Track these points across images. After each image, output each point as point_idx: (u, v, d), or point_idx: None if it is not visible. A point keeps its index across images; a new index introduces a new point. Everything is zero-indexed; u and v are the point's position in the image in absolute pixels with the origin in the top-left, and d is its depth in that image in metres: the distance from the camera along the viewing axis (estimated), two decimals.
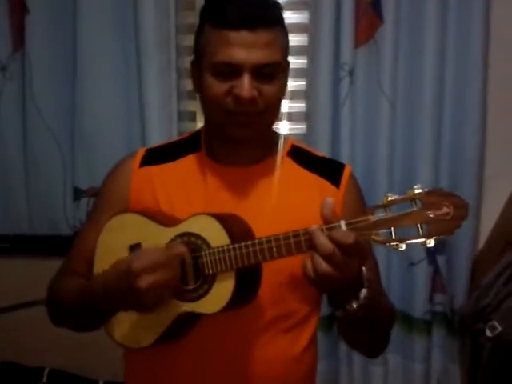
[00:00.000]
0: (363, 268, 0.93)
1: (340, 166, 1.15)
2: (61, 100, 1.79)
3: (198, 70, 1.06)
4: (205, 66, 1.02)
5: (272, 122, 1.10)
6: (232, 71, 0.99)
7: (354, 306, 0.92)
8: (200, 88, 1.06)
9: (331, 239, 0.85)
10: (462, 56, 1.68)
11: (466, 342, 1.66)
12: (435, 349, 1.78)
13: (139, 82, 1.73)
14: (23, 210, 1.86)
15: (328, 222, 0.88)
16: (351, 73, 1.69)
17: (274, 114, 1.07)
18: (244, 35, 0.97)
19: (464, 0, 1.66)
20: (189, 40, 1.81)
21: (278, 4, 1.05)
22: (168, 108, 1.76)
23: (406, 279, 1.77)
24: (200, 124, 1.87)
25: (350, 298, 0.93)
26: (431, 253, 1.74)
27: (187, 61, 1.81)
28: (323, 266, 0.86)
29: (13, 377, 1.89)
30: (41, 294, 1.72)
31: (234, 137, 1.05)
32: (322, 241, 0.85)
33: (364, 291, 0.92)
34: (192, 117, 1.88)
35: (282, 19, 1.04)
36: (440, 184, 1.72)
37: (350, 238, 0.84)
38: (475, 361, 1.56)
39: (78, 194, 1.82)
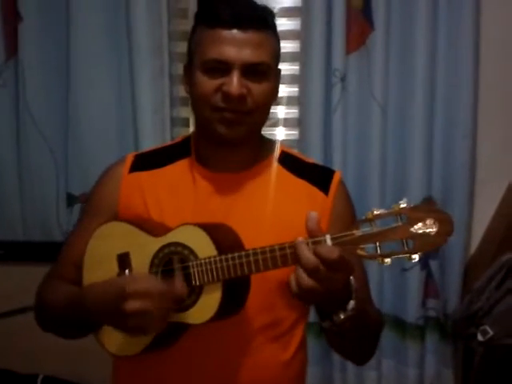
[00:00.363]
0: (351, 279, 0.92)
1: (329, 173, 1.15)
2: (54, 107, 1.80)
3: (189, 72, 1.07)
4: (196, 65, 1.03)
5: (260, 124, 1.10)
6: (222, 69, 1.00)
7: (342, 317, 0.92)
8: (191, 89, 1.07)
9: (316, 254, 0.85)
10: (453, 61, 1.70)
11: (459, 347, 1.66)
12: (428, 353, 1.79)
13: (132, 88, 1.73)
14: (17, 216, 1.86)
15: (313, 235, 0.87)
16: (343, 79, 1.70)
17: (262, 115, 1.07)
18: (235, 34, 0.99)
19: (454, 6, 1.68)
20: (181, 47, 1.82)
21: (271, 10, 1.06)
22: (161, 114, 1.76)
23: (399, 284, 1.78)
24: (193, 130, 1.88)
25: (337, 310, 0.92)
26: (424, 258, 1.75)
27: (180, 67, 1.81)
28: (306, 280, 0.85)
29: None
30: (33, 300, 1.73)
31: (222, 135, 1.05)
32: (306, 254, 0.85)
33: (352, 303, 0.92)
34: (185, 123, 1.89)
35: (273, 25, 1.06)
36: (432, 188, 1.73)
37: (335, 254, 0.83)
38: (467, 365, 1.57)
39: (71, 200, 1.82)
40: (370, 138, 1.72)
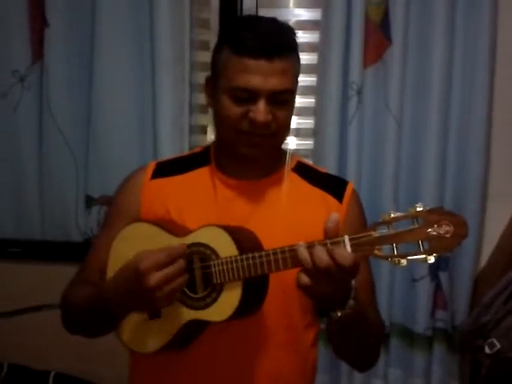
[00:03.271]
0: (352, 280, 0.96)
1: (343, 182, 1.20)
2: (76, 111, 1.84)
3: (213, 87, 1.11)
4: (222, 88, 1.07)
5: (282, 142, 1.15)
6: (248, 96, 1.04)
7: (339, 314, 0.95)
8: (214, 105, 1.11)
9: (331, 256, 0.88)
10: (468, 77, 1.72)
11: (466, 359, 1.67)
12: (435, 364, 1.80)
13: (153, 95, 1.77)
14: (36, 216, 1.89)
15: (330, 235, 0.91)
16: (359, 92, 1.72)
17: (285, 135, 1.13)
18: (262, 64, 1.03)
19: (471, 22, 1.70)
20: (202, 56, 1.86)
21: (292, 30, 1.10)
22: (180, 121, 1.79)
23: (409, 295, 1.79)
24: (210, 137, 1.92)
25: (335, 308, 0.96)
26: (434, 269, 1.76)
27: (200, 76, 1.87)
28: (315, 275, 0.89)
29: (19, 379, 1.92)
30: (49, 298, 1.76)
31: (246, 155, 1.10)
32: (321, 255, 0.89)
33: (351, 302, 0.95)
34: (203, 130, 1.92)
35: (295, 45, 1.10)
36: (444, 201, 1.75)
37: (350, 260, 0.87)
38: (474, 377, 1.58)
39: (89, 202, 1.85)
40: (385, 150, 1.74)
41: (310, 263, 0.89)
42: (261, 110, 1.04)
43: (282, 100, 1.06)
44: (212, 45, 1.82)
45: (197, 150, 1.25)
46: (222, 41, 1.10)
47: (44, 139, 1.84)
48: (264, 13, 1.81)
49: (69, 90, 1.82)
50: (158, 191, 1.16)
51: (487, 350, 1.46)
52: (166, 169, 1.20)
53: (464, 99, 1.73)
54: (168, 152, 1.75)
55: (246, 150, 1.09)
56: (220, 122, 1.11)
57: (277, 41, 1.04)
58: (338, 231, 0.91)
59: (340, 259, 0.87)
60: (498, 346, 1.45)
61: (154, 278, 0.94)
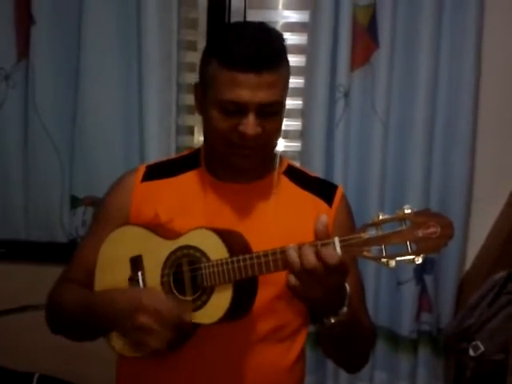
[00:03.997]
0: (347, 286, 0.97)
1: (333, 187, 1.21)
2: (62, 110, 1.82)
3: (202, 95, 1.10)
4: (210, 99, 1.07)
5: (272, 151, 1.15)
6: (237, 109, 1.04)
7: (332, 321, 0.96)
8: (203, 113, 1.11)
9: (318, 255, 0.89)
10: (455, 81, 1.74)
11: (451, 361, 1.69)
12: (420, 367, 1.81)
13: (140, 95, 1.76)
14: (20, 216, 1.87)
15: (320, 237, 0.92)
16: (346, 94, 1.73)
17: (275, 144, 1.13)
18: (250, 77, 1.02)
19: (457, 27, 1.72)
20: (189, 57, 1.86)
21: (281, 36, 1.09)
22: (167, 121, 1.79)
23: (394, 298, 1.80)
24: (197, 138, 1.91)
25: (328, 314, 0.96)
26: (419, 272, 1.77)
27: (187, 76, 1.87)
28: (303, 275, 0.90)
29: (3, 381, 1.90)
30: (34, 299, 1.75)
31: (236, 166, 1.10)
32: (309, 257, 0.90)
33: (344, 309, 0.96)
34: (190, 131, 1.92)
35: (284, 53, 1.09)
36: (430, 204, 1.76)
37: (335, 259, 0.88)
38: (459, 379, 1.59)
39: (75, 202, 1.84)
40: (371, 152, 1.75)
41: (298, 264, 0.90)
42: (250, 124, 1.03)
43: (271, 112, 1.06)
44: (200, 45, 1.85)
45: (186, 152, 1.25)
46: (210, 52, 1.08)
47: (29, 139, 1.83)
48: (252, 14, 1.82)
49: (54, 89, 1.81)
50: (148, 194, 1.15)
51: (471, 353, 1.48)
52: (156, 172, 1.19)
53: (450, 102, 1.75)
54: (155, 152, 1.75)
55: (236, 161, 1.09)
56: (209, 133, 1.11)
57: (265, 53, 1.03)
58: (327, 232, 0.92)
59: (327, 258, 0.88)
60: (482, 348, 1.46)
61: (144, 319, 0.96)
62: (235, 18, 1.79)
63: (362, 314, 1.12)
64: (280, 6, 1.88)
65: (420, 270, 1.77)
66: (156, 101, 1.75)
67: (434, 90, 1.73)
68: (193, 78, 1.87)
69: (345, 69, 1.71)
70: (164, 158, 1.26)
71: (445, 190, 1.77)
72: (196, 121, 1.90)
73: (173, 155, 1.31)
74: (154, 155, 1.74)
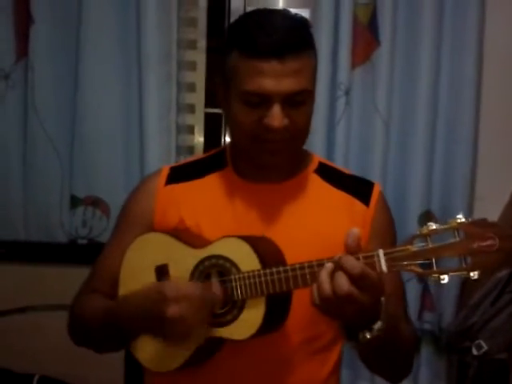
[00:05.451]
0: (382, 299, 0.88)
1: (369, 184, 1.12)
2: (61, 109, 1.81)
3: (224, 90, 1.04)
4: (233, 92, 1.00)
5: (303, 145, 1.08)
6: (261, 101, 0.96)
7: (368, 336, 0.88)
8: (227, 110, 1.04)
9: (338, 266, 0.82)
10: (456, 78, 1.73)
11: (453, 360, 1.68)
12: (423, 366, 1.80)
13: (140, 94, 1.75)
14: (20, 216, 1.86)
15: (350, 252, 0.84)
16: (347, 92, 1.72)
17: (304, 138, 1.05)
18: (273, 65, 0.94)
19: (458, 23, 1.71)
20: (189, 55, 1.85)
21: (306, 22, 1.02)
22: (167, 121, 1.78)
23: None
24: (198, 137, 1.91)
25: (363, 329, 0.88)
26: None
27: (187, 75, 1.86)
28: (327, 291, 0.83)
29: (2, 382, 1.90)
30: (33, 300, 1.74)
31: (263, 163, 1.04)
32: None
33: (379, 323, 0.88)
34: (190, 130, 1.91)
35: (311, 39, 1.02)
36: (431, 202, 1.76)
37: (357, 269, 0.81)
38: (462, 379, 1.58)
39: (75, 202, 1.83)
40: (372, 150, 1.75)
41: (330, 291, 0.82)
42: (275, 115, 0.95)
43: (299, 101, 0.98)
44: (199, 44, 1.85)
45: (212, 152, 1.18)
46: (230, 43, 1.01)
47: (28, 138, 1.81)
48: None
49: (54, 89, 1.80)
50: (172, 198, 1.09)
51: (474, 352, 1.47)
52: (181, 174, 1.12)
53: (452, 100, 1.74)
54: (155, 152, 1.74)
55: (264, 158, 1.01)
56: (234, 129, 1.03)
57: (288, 38, 0.95)
58: (358, 247, 0.84)
59: (347, 268, 0.81)
60: (485, 347, 1.45)
61: (174, 310, 0.89)
62: (235, 16, 1.78)
63: (401, 321, 1.04)
64: (280, 5, 1.87)
65: None
66: (156, 100, 1.74)
67: (435, 87, 1.72)
68: (193, 76, 1.87)
69: (346, 67, 1.71)
70: (189, 159, 1.20)
71: (446, 188, 1.77)
72: (196, 120, 1.90)
73: (198, 155, 1.24)
74: (154, 154, 1.74)
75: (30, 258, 1.88)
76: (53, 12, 1.77)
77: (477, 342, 1.47)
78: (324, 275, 0.84)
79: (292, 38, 0.96)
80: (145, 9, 1.71)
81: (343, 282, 0.81)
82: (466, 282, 1.78)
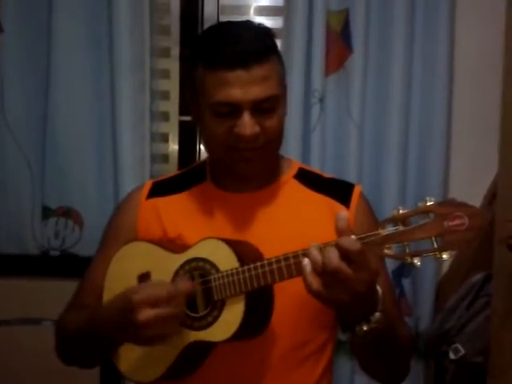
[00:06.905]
0: (379, 289, 0.88)
1: (349, 186, 1.14)
2: (32, 119, 1.78)
3: (194, 104, 1.05)
4: (203, 105, 1.02)
5: (277, 151, 1.09)
6: (231, 110, 0.98)
7: (364, 328, 0.87)
8: (200, 123, 1.05)
9: (337, 246, 0.81)
10: (428, 84, 1.75)
11: (430, 365, 1.69)
12: None
13: (113, 102, 1.73)
14: None
15: (342, 235, 0.83)
16: (321, 99, 1.73)
17: (277, 144, 1.06)
18: (239, 74, 0.96)
19: (429, 31, 1.74)
20: (162, 63, 1.84)
21: (269, 30, 1.04)
22: (141, 129, 1.76)
23: None
24: (172, 145, 1.90)
25: (360, 320, 0.87)
26: (396, 276, 1.77)
27: (160, 83, 1.85)
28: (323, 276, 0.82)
29: None
30: (6, 314, 1.69)
31: (239, 172, 1.05)
32: (332, 255, 0.82)
33: (377, 315, 0.87)
34: (164, 138, 1.89)
35: (274, 47, 1.03)
36: (405, 205, 1.74)
37: (356, 245, 0.80)
38: (439, 383, 1.59)
39: (46, 212, 1.79)
40: (347, 156, 1.76)
41: (320, 262, 0.81)
42: (246, 124, 0.97)
43: (269, 107, 0.99)
44: (173, 52, 1.84)
45: (193, 165, 1.20)
46: (195, 56, 1.03)
47: None
48: (225, 20, 1.80)
49: (24, 98, 1.76)
50: (154, 211, 1.11)
51: (452, 356, 1.48)
52: (163, 188, 1.15)
53: (424, 106, 1.77)
54: (128, 160, 1.72)
55: (239, 167, 1.03)
56: (208, 141, 1.05)
57: (251, 46, 0.97)
58: (350, 229, 0.84)
59: (346, 246, 0.80)
60: (463, 351, 1.46)
61: (145, 314, 0.88)
62: (208, 24, 1.78)
63: (397, 320, 1.04)
64: (252, 12, 1.87)
65: (397, 274, 1.77)
66: (129, 108, 1.72)
67: (407, 93, 1.74)
68: (167, 84, 1.86)
69: (319, 74, 1.72)
70: (171, 174, 1.22)
71: (421, 191, 1.78)
72: (170, 128, 1.88)
73: (180, 170, 1.24)
74: (128, 163, 1.72)
75: (1, 271, 1.84)
76: (22, 20, 1.74)
77: (454, 345, 1.48)
78: (314, 251, 0.83)
79: (255, 46, 0.98)
80: (117, 16, 1.69)
81: (333, 256, 0.81)
82: (440, 287, 1.79)
